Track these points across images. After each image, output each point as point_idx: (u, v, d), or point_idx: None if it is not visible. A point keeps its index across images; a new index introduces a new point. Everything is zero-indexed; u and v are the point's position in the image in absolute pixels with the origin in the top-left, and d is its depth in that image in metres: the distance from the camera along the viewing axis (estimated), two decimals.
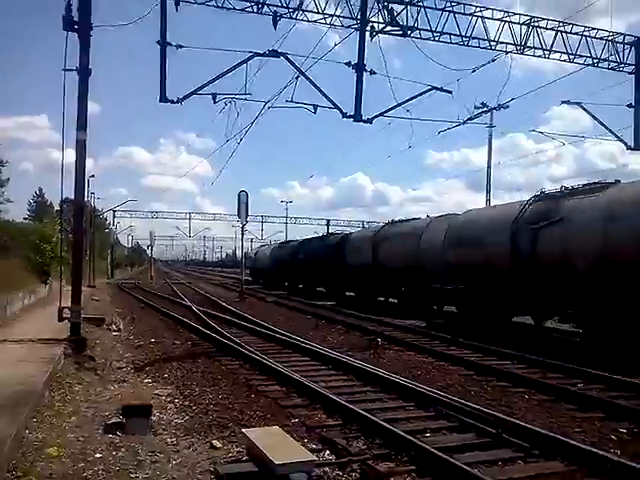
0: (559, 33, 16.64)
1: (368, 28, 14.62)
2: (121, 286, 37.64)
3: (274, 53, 14.23)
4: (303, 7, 14.61)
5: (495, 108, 22.16)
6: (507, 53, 16.31)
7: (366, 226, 50.67)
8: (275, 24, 14.28)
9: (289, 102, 14.91)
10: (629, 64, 17.38)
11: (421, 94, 15.58)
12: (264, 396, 7.71)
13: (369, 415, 6.35)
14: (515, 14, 16.59)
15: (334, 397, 7.17)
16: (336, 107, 14.71)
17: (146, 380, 8.88)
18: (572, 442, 5.41)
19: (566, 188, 12.80)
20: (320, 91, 14.66)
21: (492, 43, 16.14)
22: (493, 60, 16.26)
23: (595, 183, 12.25)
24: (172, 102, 13.67)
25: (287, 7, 14.41)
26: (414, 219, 21.85)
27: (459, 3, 15.60)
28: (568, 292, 11.70)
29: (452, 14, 15.52)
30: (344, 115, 14.62)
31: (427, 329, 14.91)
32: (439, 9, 15.37)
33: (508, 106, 20.84)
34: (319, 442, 5.75)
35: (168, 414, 6.82)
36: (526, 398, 7.72)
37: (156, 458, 5.22)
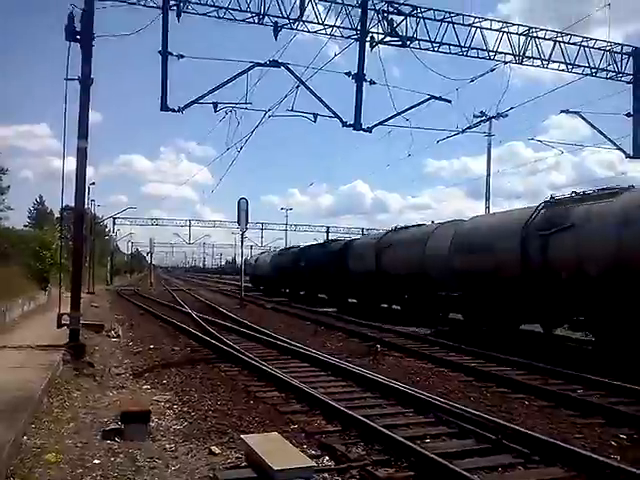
0: (557, 43, 16.74)
1: (368, 39, 14.70)
2: (120, 293, 37.61)
3: (275, 63, 14.29)
4: (304, 18, 14.70)
5: (494, 117, 22.22)
6: (506, 63, 16.39)
7: (366, 233, 50.73)
8: (276, 34, 14.38)
9: (289, 111, 14.96)
10: (627, 74, 17.47)
11: (420, 103, 15.64)
12: (263, 402, 7.69)
13: (368, 421, 6.34)
14: (513, 25, 16.72)
15: (333, 403, 7.16)
16: (336, 116, 14.77)
17: (145, 386, 8.87)
18: (572, 448, 5.41)
19: (577, 194, 12.62)
20: (320, 100, 14.73)
21: (491, 53, 16.23)
22: (492, 70, 16.33)
23: (607, 189, 12.04)
24: (173, 111, 13.71)
25: (288, 18, 14.50)
26: (419, 225, 21.60)
27: (458, 14, 15.71)
28: (580, 299, 11.54)
29: (451, 25, 15.61)
30: (344, 124, 14.68)
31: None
32: (438, 20, 15.47)
33: (507, 115, 20.91)
34: (318, 448, 5.74)
35: (167, 420, 6.81)
36: (526, 404, 7.71)
37: (154, 464, 5.21)
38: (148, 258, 69.74)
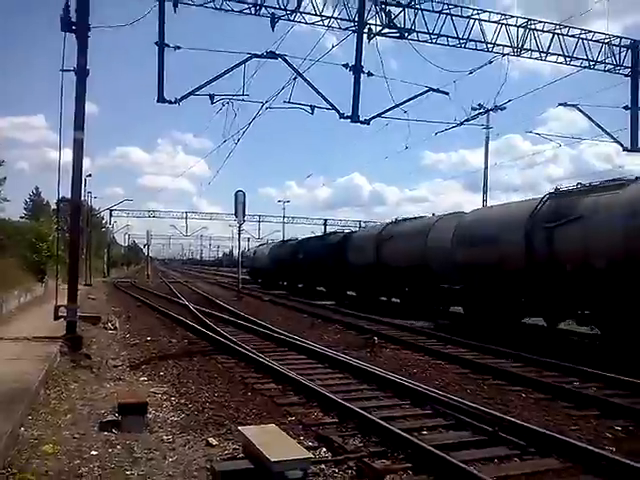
0: (556, 36, 16.67)
1: (366, 30, 14.61)
2: (117, 285, 37.57)
3: (272, 55, 14.21)
4: (301, 9, 14.60)
5: (492, 109, 22.22)
6: (504, 55, 16.33)
7: (363, 226, 50.68)
8: (273, 26, 14.26)
9: (287, 103, 14.91)
10: (625, 66, 17.42)
11: (418, 95, 15.60)
12: (260, 394, 7.71)
13: (365, 413, 6.36)
14: (512, 17, 16.62)
15: (330, 395, 7.18)
16: (333, 108, 14.72)
17: (142, 378, 8.88)
18: (568, 440, 5.44)
19: (583, 185, 12.43)
20: (318, 92, 14.67)
21: (489, 45, 16.15)
22: (490, 62, 16.26)
23: (613, 180, 11.88)
24: (170, 102, 13.64)
25: (285, 9, 14.39)
26: (420, 217, 21.36)
27: (456, 6, 15.62)
28: (586, 292, 11.35)
29: (449, 17, 15.52)
30: (341, 116, 14.63)
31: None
32: (436, 12, 15.38)
33: (505, 107, 20.87)
34: (315, 440, 5.76)
35: (164, 412, 6.82)
36: (522, 396, 7.74)
37: (152, 455, 5.22)
38: (145, 250, 69.68)
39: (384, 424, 5.93)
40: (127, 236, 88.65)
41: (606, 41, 17.15)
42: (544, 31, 16.63)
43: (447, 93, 15.74)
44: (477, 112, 21.63)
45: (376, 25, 14.93)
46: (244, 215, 26.73)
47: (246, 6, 14.31)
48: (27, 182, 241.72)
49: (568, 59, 16.91)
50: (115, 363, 9.97)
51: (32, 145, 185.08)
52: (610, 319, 11.17)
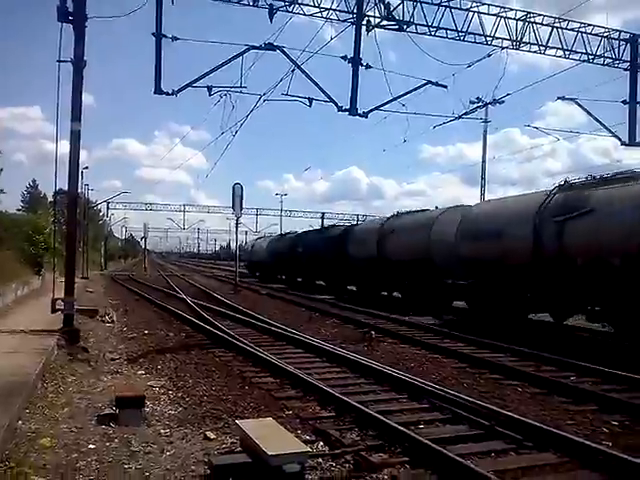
0: (555, 29, 16.62)
1: (364, 22, 14.56)
2: (115, 278, 37.54)
3: (270, 46, 14.14)
4: (299, 0, 14.53)
5: (490, 103, 22.14)
6: (503, 48, 16.28)
7: (362, 219, 50.64)
8: (271, 17, 14.18)
9: (285, 95, 14.84)
10: (624, 60, 17.39)
11: (417, 88, 15.57)
12: (258, 388, 7.72)
13: (363, 407, 6.37)
14: (511, 10, 16.59)
15: (328, 389, 7.19)
16: (331, 101, 14.67)
17: (139, 372, 8.87)
18: (565, 434, 5.46)
19: (593, 177, 12.13)
20: (316, 84, 14.62)
21: (488, 38, 16.10)
22: (489, 55, 16.19)
23: (626, 172, 11.62)
24: (167, 94, 13.58)
25: (283, 0, 14.32)
26: (423, 210, 21.00)
27: None
28: (598, 288, 11.02)
29: (448, 9, 15.45)
30: (339, 109, 14.58)
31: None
32: (435, 4, 15.31)
33: (503, 101, 20.81)
34: (313, 433, 5.77)
35: (161, 405, 6.82)
36: (519, 391, 7.76)
37: (149, 449, 5.22)
38: (142, 243, 69.61)
39: (381, 418, 5.95)
40: (124, 229, 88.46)
41: (605, 35, 17.12)
42: (543, 24, 16.58)
43: (445, 86, 15.71)
44: (475, 105, 21.63)
45: (375, 17, 14.89)
46: (242, 208, 26.67)
47: None
48: (24, 174, 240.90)
49: (567, 53, 16.88)
50: (112, 356, 9.96)
51: (29, 136, 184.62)
52: (623, 315, 10.83)
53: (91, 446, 5.25)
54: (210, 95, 14.25)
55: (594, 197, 11.35)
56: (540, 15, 16.72)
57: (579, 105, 18.95)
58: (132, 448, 5.22)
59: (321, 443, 5.49)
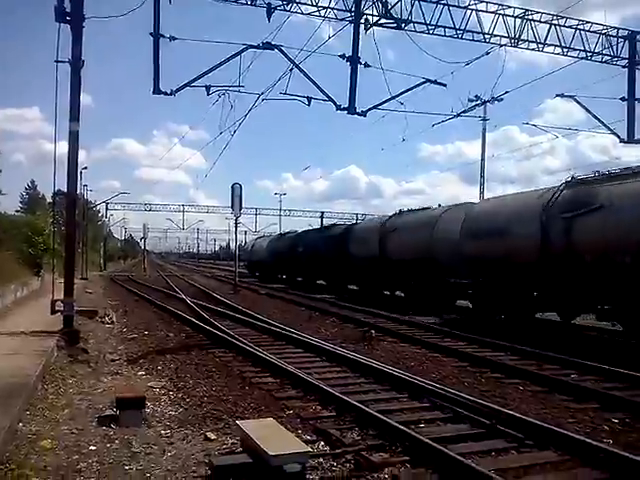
0: (553, 26, 16.61)
1: (362, 21, 14.54)
2: (114, 279, 37.50)
3: (268, 45, 14.11)
4: None
5: (489, 101, 22.20)
6: (501, 46, 16.26)
7: (361, 218, 50.65)
8: (269, 16, 14.15)
9: (283, 94, 14.82)
10: (623, 57, 17.37)
11: (415, 87, 15.54)
12: (258, 388, 7.71)
13: (363, 406, 6.37)
14: (509, 7, 16.61)
15: (328, 389, 7.18)
16: (330, 99, 14.64)
17: (140, 372, 8.86)
18: (566, 432, 5.46)
19: (602, 173, 11.93)
20: (314, 83, 14.59)
21: (486, 36, 16.08)
22: (487, 53, 16.19)
23: (635, 167, 11.41)
24: (165, 94, 13.56)
25: None
26: (425, 209, 20.66)
27: None
28: (608, 286, 10.80)
29: (446, 7, 15.42)
30: (338, 107, 14.56)
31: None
32: (433, 2, 15.27)
33: (502, 99, 20.87)
34: (313, 433, 5.76)
35: (162, 406, 6.81)
36: (520, 389, 7.76)
37: (150, 450, 5.22)
38: (141, 244, 69.59)
39: (382, 417, 5.94)
40: (123, 229, 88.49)
41: (603, 32, 17.11)
42: (541, 22, 16.57)
43: (444, 84, 15.69)
44: (474, 103, 21.64)
45: (373, 15, 14.88)
46: (241, 208, 26.63)
47: None
48: (23, 175, 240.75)
49: (565, 50, 16.86)
50: (112, 357, 9.95)
51: (27, 137, 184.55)
52: (633, 313, 10.66)
53: (92, 447, 5.24)
54: (208, 95, 14.24)
55: (603, 193, 11.12)
56: (538, 12, 16.72)
57: (578, 102, 18.95)
58: (133, 449, 5.22)
59: (322, 443, 5.49)
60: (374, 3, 14.82)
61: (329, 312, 17.28)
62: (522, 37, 16.33)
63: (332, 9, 14.86)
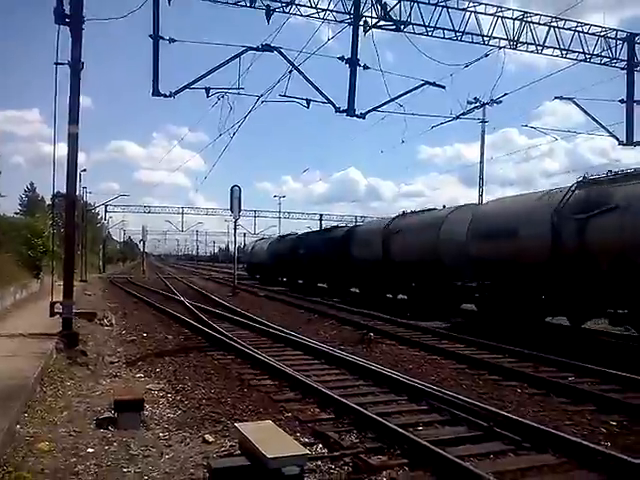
0: (552, 29, 16.64)
1: (361, 23, 14.56)
2: (113, 281, 37.50)
3: (267, 47, 14.13)
4: (296, 1, 14.54)
5: (488, 103, 22.12)
6: (500, 48, 16.31)
7: (360, 221, 50.64)
8: (268, 18, 14.18)
9: (282, 96, 14.83)
10: (621, 60, 17.40)
11: (414, 89, 15.56)
12: (256, 390, 7.70)
13: (361, 409, 6.37)
14: (508, 9, 16.67)
15: (327, 391, 7.18)
16: (329, 102, 14.66)
17: (138, 375, 8.87)
18: (563, 435, 5.46)
19: (616, 173, 11.68)
20: (313, 86, 14.61)
21: (485, 38, 16.11)
22: (486, 55, 16.21)
23: None
24: (165, 96, 13.58)
25: (280, 1, 14.33)
26: (430, 210, 20.36)
27: None
28: (623, 289, 10.47)
29: (445, 9, 15.46)
30: (337, 110, 14.58)
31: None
32: (432, 4, 15.32)
33: (501, 101, 20.82)
34: (312, 436, 5.77)
35: (160, 409, 6.81)
36: (518, 392, 7.77)
37: (148, 452, 5.21)
38: (140, 246, 69.53)
39: (380, 420, 5.94)
40: (123, 232, 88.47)
41: (602, 34, 17.13)
42: (540, 24, 16.60)
43: (443, 87, 15.71)
44: (473, 106, 21.56)
45: (372, 17, 14.90)
46: (240, 210, 26.68)
47: None
48: (22, 177, 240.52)
49: (564, 52, 16.89)
50: (111, 360, 9.95)
51: (26, 139, 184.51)
52: None
53: (90, 450, 5.24)
54: (208, 97, 14.25)
55: (619, 193, 10.87)
56: (537, 15, 16.76)
57: (576, 105, 18.96)
58: (131, 452, 5.21)
59: (320, 445, 5.49)
60: (373, 5, 14.85)
61: (328, 314, 17.26)
62: (521, 39, 16.37)
63: (331, 11, 14.90)
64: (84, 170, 40.81)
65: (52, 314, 10.91)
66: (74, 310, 11.13)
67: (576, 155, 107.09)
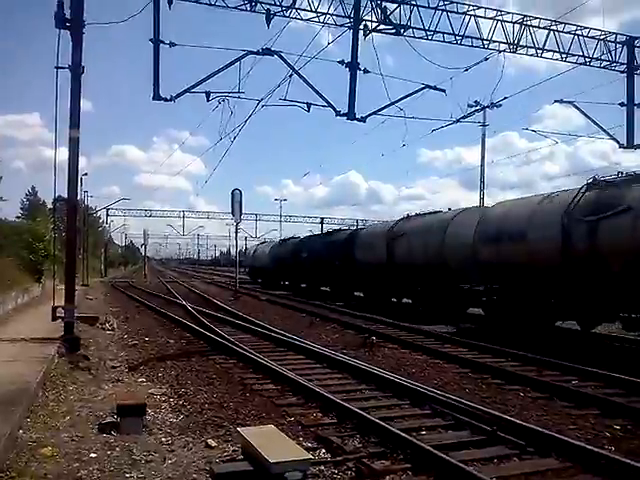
0: (552, 32, 16.66)
1: (361, 27, 14.60)
2: (115, 285, 37.51)
3: (267, 51, 14.18)
4: (296, 5, 14.57)
5: (488, 107, 22.21)
6: (500, 52, 16.32)
7: (361, 224, 50.63)
8: (268, 22, 14.22)
9: (283, 100, 14.87)
10: (621, 63, 17.43)
11: (414, 92, 15.60)
12: (259, 395, 7.69)
13: (364, 413, 6.35)
14: (508, 13, 16.67)
15: (329, 395, 7.17)
16: (329, 105, 14.69)
17: (140, 379, 8.85)
18: (567, 439, 5.44)
19: (627, 174, 11.53)
20: (314, 89, 14.64)
21: (485, 42, 16.14)
22: (486, 59, 16.24)
23: None
24: (165, 100, 13.61)
25: (280, 5, 14.36)
26: (435, 212, 20.12)
27: (452, 2, 15.57)
28: (637, 292, 10.29)
29: (445, 13, 15.49)
30: (337, 113, 14.61)
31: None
32: (432, 8, 15.35)
33: (501, 105, 20.94)
34: (314, 440, 5.75)
35: (163, 413, 6.80)
36: (521, 395, 7.75)
37: (151, 457, 5.20)
38: (142, 250, 69.62)
39: (383, 424, 5.92)
40: (124, 235, 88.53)
41: (602, 37, 17.16)
42: (540, 27, 16.63)
43: (443, 90, 15.75)
44: (473, 109, 21.57)
45: (372, 21, 14.94)
46: (241, 214, 26.67)
47: (241, 2, 14.24)
48: (23, 181, 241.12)
49: (564, 56, 16.90)
50: (113, 364, 9.93)
51: (27, 143, 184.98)
52: None
53: (92, 455, 5.23)
54: (208, 101, 14.30)
55: (631, 194, 10.74)
56: (537, 18, 16.77)
57: (577, 108, 18.99)
58: (133, 457, 5.20)
59: (323, 450, 5.47)
60: (373, 9, 14.89)
61: (330, 318, 17.23)
62: (521, 43, 16.38)
63: (331, 15, 14.95)
64: (85, 174, 40.92)
65: (54, 318, 10.92)
66: (76, 314, 11.13)
67: (577, 158, 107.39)
